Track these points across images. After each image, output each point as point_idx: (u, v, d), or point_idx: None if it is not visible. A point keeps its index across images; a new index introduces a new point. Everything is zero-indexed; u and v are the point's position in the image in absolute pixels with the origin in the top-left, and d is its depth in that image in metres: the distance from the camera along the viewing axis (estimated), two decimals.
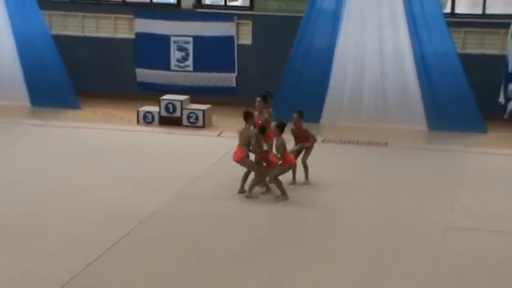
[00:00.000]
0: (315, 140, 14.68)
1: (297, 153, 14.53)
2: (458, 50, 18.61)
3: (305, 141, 14.63)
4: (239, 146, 13.93)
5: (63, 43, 20.51)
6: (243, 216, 13.04)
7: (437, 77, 18.46)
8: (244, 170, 13.99)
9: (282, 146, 13.50)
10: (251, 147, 13.75)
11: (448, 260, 11.51)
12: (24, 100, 20.50)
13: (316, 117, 18.76)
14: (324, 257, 11.52)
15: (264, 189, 14.04)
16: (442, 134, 18.24)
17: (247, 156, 13.85)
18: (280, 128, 13.69)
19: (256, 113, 14.39)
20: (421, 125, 18.77)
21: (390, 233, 12.41)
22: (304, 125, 14.71)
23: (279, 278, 10.80)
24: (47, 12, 20.95)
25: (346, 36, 18.80)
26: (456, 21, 19.09)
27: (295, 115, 14.57)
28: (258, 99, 14.73)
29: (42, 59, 20.23)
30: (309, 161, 14.60)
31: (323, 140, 17.17)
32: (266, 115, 14.51)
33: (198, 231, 12.36)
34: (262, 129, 13.72)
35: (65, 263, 11.07)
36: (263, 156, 13.70)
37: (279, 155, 13.55)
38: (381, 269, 11.13)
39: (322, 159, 15.21)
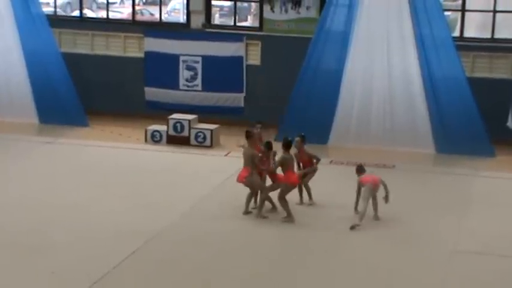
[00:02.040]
0: (318, 160, 14.55)
1: (303, 174, 14.49)
2: (467, 74, 18.59)
3: (309, 165, 14.55)
4: (244, 166, 13.91)
5: (72, 61, 20.59)
6: (249, 238, 13.00)
7: (446, 101, 18.45)
8: (247, 190, 13.98)
9: (279, 162, 13.61)
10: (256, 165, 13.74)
11: (454, 283, 11.45)
12: (32, 117, 20.57)
13: (324, 139, 18.75)
14: (330, 279, 11.47)
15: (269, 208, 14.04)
16: (450, 157, 18.20)
17: (252, 174, 13.82)
18: (286, 144, 13.70)
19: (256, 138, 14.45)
20: (429, 148, 18.74)
21: (397, 256, 12.36)
22: (306, 148, 14.58)
23: None
24: (57, 30, 21.06)
25: (355, 58, 18.82)
26: (465, 45, 19.09)
27: (296, 139, 14.49)
28: (258, 125, 14.95)
29: (51, 77, 20.31)
30: (316, 183, 14.57)
31: (331, 162, 17.15)
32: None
33: (204, 253, 12.33)
34: (269, 145, 13.69)
35: (69, 281, 11.05)
36: (270, 172, 13.67)
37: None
38: None
39: (330, 180, 15.19)
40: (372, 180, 13.84)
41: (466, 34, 19.80)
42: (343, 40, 18.76)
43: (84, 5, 22.36)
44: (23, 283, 10.93)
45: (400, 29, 18.52)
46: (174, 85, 20.99)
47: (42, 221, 13.36)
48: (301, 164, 14.53)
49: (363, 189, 13.84)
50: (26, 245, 12.26)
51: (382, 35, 18.63)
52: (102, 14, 23.14)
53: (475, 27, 21.20)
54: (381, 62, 18.75)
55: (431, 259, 12.25)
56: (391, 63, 18.73)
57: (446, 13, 19.44)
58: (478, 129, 18.26)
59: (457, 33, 19.67)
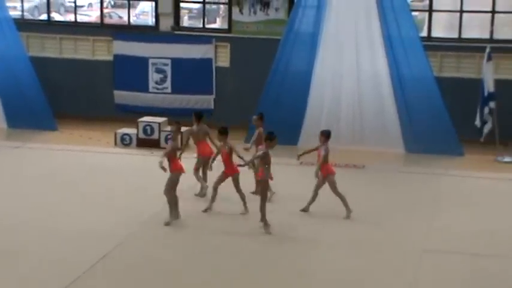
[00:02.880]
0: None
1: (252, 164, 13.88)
2: (435, 74, 18.76)
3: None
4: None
5: (40, 65, 20.45)
6: (222, 239, 12.97)
7: (414, 100, 18.58)
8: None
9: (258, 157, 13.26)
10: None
11: (425, 283, 11.50)
12: (0, 122, 20.37)
13: (294, 140, 18.79)
14: (299, 279, 11.48)
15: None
16: (419, 157, 18.33)
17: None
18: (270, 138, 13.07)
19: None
20: (398, 148, 18.86)
21: (367, 256, 12.39)
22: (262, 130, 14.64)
23: None
24: (25, 33, 20.92)
25: (324, 59, 18.91)
26: (433, 44, 19.26)
27: (254, 117, 15.02)
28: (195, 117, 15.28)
29: (19, 81, 20.15)
30: (287, 183, 14.60)
31: (301, 163, 17.14)
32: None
33: (175, 255, 12.29)
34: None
35: (40, 285, 10.95)
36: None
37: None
38: None
39: (299, 181, 15.20)
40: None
41: (434, 34, 19.99)
42: (312, 41, 18.83)
43: (51, 9, 22.24)
44: None
45: (369, 30, 18.64)
46: (144, 88, 20.95)
47: (13, 224, 13.22)
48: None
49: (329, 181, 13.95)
50: None
51: (350, 35, 18.73)
52: (70, 17, 23.00)
53: (442, 27, 21.39)
54: (349, 63, 18.84)
55: (402, 259, 12.30)
56: (359, 63, 18.83)
57: (413, 13, 19.61)
58: (447, 128, 18.42)
59: (424, 33, 19.84)
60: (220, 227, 13.47)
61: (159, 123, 18.86)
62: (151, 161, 15.70)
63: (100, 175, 16.27)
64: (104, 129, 19.90)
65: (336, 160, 17.62)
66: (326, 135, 14.11)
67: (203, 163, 14.97)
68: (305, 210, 14.22)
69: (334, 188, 13.99)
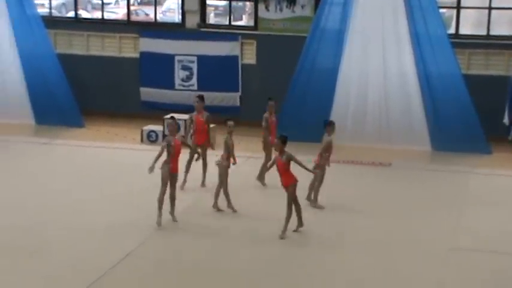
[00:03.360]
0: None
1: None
2: (463, 71, 18.60)
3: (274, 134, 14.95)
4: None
5: (68, 62, 20.57)
6: (249, 235, 12.96)
7: (442, 98, 18.44)
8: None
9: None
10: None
11: (451, 281, 11.44)
12: (28, 118, 20.55)
13: (319, 137, 18.66)
14: (326, 277, 11.45)
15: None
16: (446, 155, 18.20)
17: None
18: (282, 140, 12.91)
19: (195, 114, 15.41)
20: (425, 146, 18.74)
21: (394, 254, 12.34)
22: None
23: None
24: (52, 31, 21.04)
25: (350, 56, 18.83)
26: (460, 42, 19.11)
27: (271, 103, 15.26)
28: (196, 99, 15.58)
29: (47, 78, 20.29)
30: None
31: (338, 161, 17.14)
32: (207, 113, 15.50)
33: (201, 251, 12.31)
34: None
35: (66, 282, 11.03)
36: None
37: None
38: None
39: (325, 179, 15.14)
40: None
41: (462, 31, 19.81)
42: (338, 38, 18.76)
43: (79, 6, 22.33)
44: (19, 285, 10.89)
45: (396, 27, 18.53)
46: (170, 85, 20.99)
47: (38, 222, 13.33)
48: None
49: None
50: (22, 246, 12.23)
51: (377, 33, 18.63)
52: (97, 14, 23.07)
53: (470, 25, 21.21)
54: (376, 60, 18.75)
55: (429, 257, 12.24)
56: (386, 61, 18.73)
57: (441, 10, 19.45)
58: (474, 126, 18.26)
59: (452, 31, 19.67)
60: (246, 227, 13.46)
61: (185, 120, 18.88)
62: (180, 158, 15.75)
63: (126, 172, 16.33)
64: (130, 126, 19.98)
65: (362, 157, 17.63)
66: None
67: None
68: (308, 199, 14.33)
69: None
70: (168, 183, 13.24)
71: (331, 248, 12.62)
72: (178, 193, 13.80)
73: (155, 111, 20.28)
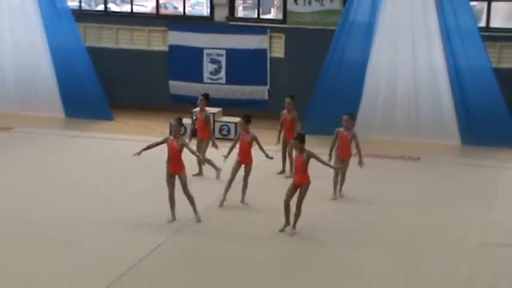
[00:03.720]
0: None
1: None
2: (493, 65, 18.45)
3: (290, 127, 15.15)
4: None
5: (97, 55, 20.70)
6: (276, 228, 12.97)
7: (472, 92, 18.31)
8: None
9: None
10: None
11: (480, 276, 11.36)
12: (58, 112, 20.73)
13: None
14: (355, 271, 11.44)
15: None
16: (476, 149, 18.08)
17: None
18: (300, 140, 12.79)
19: (198, 111, 15.74)
20: (455, 140, 18.63)
21: (422, 249, 12.29)
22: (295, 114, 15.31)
23: None
24: (82, 24, 21.19)
25: (379, 50, 18.75)
26: (491, 35, 18.94)
27: (287, 99, 15.35)
28: (200, 97, 15.81)
29: (77, 71, 20.44)
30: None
31: (354, 154, 17.07)
32: (208, 112, 15.73)
33: (229, 245, 12.35)
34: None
35: (96, 274, 11.12)
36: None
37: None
38: (413, 285, 11.02)
39: (354, 172, 15.11)
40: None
41: (492, 24, 19.63)
42: (368, 32, 18.68)
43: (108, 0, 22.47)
44: (51, 276, 11.01)
45: (425, 20, 18.41)
46: (198, 78, 21.05)
47: (69, 214, 13.45)
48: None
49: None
50: (54, 238, 12.34)
51: (406, 26, 18.53)
52: (126, 8, 23.17)
53: (501, 17, 20.99)
54: (405, 53, 18.66)
55: (458, 252, 12.17)
56: (416, 54, 18.63)
57: (472, 3, 19.27)
58: (505, 120, 18.12)
59: (483, 24, 19.50)
60: (274, 220, 13.48)
61: (214, 114, 18.93)
62: (207, 151, 15.79)
63: (155, 165, 16.38)
64: (159, 119, 20.06)
65: (391, 151, 17.56)
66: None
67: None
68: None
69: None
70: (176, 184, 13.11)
71: (359, 241, 12.59)
72: (205, 189, 13.81)
73: (184, 104, 20.34)
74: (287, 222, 12.76)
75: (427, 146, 18.24)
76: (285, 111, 15.67)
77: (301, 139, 12.70)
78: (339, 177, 14.45)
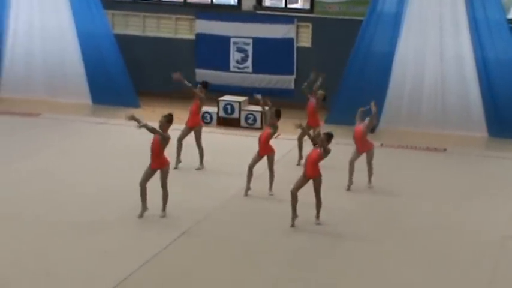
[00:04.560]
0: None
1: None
2: None
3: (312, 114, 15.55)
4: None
5: (124, 42, 20.79)
6: (301, 224, 12.99)
7: (499, 84, 18.21)
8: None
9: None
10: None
11: (506, 269, 11.35)
12: (85, 98, 20.86)
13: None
14: (380, 259, 11.46)
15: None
16: (503, 141, 17.99)
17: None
18: (327, 138, 12.64)
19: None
20: (482, 132, 18.53)
21: (448, 241, 12.28)
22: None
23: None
24: (110, 11, 21.27)
25: (407, 40, 18.68)
26: None
27: (320, 91, 15.68)
28: (199, 86, 16.07)
29: (104, 58, 20.55)
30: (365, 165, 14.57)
31: (381, 145, 17.06)
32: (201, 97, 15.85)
33: (255, 233, 12.41)
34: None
35: (121, 260, 11.23)
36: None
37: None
38: (437, 277, 11.03)
39: (380, 163, 15.11)
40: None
41: None
42: (395, 22, 18.61)
43: None
44: (76, 261, 11.13)
45: (453, 11, 18.31)
46: (225, 67, 21.07)
47: (95, 200, 13.58)
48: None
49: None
50: (79, 224, 12.47)
51: (434, 16, 18.44)
52: None
53: None
54: (433, 44, 18.58)
55: (482, 244, 12.15)
56: (443, 45, 18.54)
57: None
58: None
59: (511, 16, 19.33)
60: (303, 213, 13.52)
61: (240, 102, 18.99)
62: (232, 140, 15.88)
63: (181, 153, 16.48)
64: (185, 107, 20.05)
65: (417, 142, 17.51)
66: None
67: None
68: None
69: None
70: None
71: (384, 232, 12.61)
72: (233, 177, 13.84)
73: (210, 92, 20.35)
74: (295, 214, 12.67)
75: (453, 138, 18.17)
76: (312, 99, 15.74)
77: (328, 138, 12.54)
78: (368, 167, 14.39)
